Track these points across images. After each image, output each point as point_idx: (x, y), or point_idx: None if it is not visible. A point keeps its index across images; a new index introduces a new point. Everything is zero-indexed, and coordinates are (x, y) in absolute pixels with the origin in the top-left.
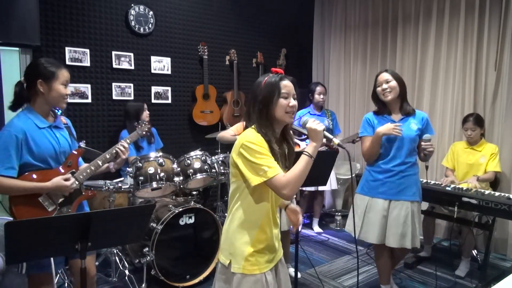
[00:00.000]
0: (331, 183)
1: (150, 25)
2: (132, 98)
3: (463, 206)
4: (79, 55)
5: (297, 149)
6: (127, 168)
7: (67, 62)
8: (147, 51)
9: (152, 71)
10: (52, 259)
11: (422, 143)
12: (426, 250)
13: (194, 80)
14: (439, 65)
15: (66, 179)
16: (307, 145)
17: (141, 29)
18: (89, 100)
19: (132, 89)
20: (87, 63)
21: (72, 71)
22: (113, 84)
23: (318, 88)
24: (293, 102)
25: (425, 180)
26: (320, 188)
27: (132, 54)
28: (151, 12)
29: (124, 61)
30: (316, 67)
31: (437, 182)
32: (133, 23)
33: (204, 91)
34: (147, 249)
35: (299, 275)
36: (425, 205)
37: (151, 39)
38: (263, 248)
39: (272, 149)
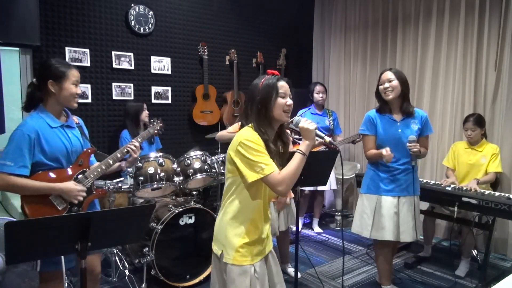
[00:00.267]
0: (331, 183)
1: (150, 25)
2: (132, 98)
3: (463, 206)
4: (79, 55)
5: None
6: (127, 168)
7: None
8: (147, 51)
9: (152, 71)
10: (62, 256)
11: (407, 144)
12: (426, 250)
13: (194, 80)
14: (439, 65)
15: (80, 190)
16: None
17: (141, 29)
18: (89, 100)
19: (132, 89)
20: (87, 63)
21: None
22: (113, 84)
23: (317, 87)
24: (290, 101)
25: (425, 180)
26: (320, 188)
27: (132, 54)
28: (151, 12)
29: (124, 61)
30: (316, 67)
31: (437, 182)
32: (133, 23)
33: (204, 91)
34: (147, 249)
35: (299, 275)
36: (425, 205)
37: (151, 39)
38: (254, 241)
39: (268, 147)
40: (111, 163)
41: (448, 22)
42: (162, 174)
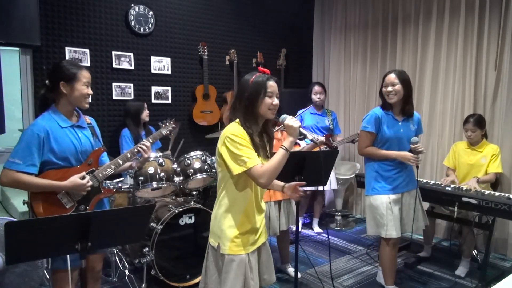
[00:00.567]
0: (331, 183)
1: (150, 25)
2: (132, 98)
3: (463, 206)
4: (79, 55)
5: (296, 148)
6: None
7: None
8: (147, 51)
9: (152, 71)
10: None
11: (412, 146)
12: (426, 250)
13: (194, 80)
14: (439, 65)
15: (82, 178)
16: (306, 144)
17: (141, 29)
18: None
19: (132, 89)
20: (87, 63)
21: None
22: (113, 84)
23: (315, 88)
24: (276, 101)
25: (425, 180)
26: (320, 187)
27: (132, 54)
28: (151, 12)
29: (124, 61)
30: (316, 67)
31: (437, 182)
32: (133, 23)
33: (204, 91)
34: (147, 249)
35: (299, 275)
36: (425, 205)
37: (151, 39)
38: (247, 231)
39: (253, 140)
40: (121, 163)
41: (448, 22)
42: (162, 174)
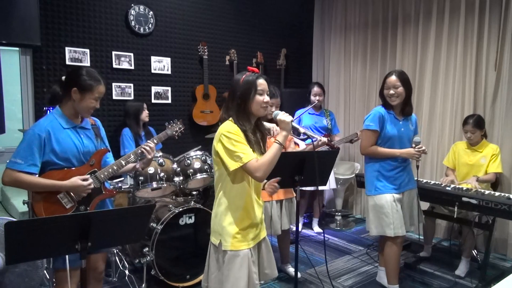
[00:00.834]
0: (330, 183)
1: (150, 25)
2: (132, 98)
3: (463, 206)
4: (79, 55)
5: (297, 148)
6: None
7: (67, 62)
8: (147, 51)
9: (152, 71)
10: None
11: (416, 147)
12: (426, 250)
13: (194, 80)
14: (439, 65)
15: (84, 179)
16: (306, 144)
17: (141, 29)
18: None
19: (132, 89)
20: (87, 63)
21: None
22: (113, 84)
23: (315, 89)
24: (267, 98)
25: (425, 180)
26: (319, 187)
27: (132, 54)
28: (151, 12)
29: (124, 61)
30: (316, 67)
31: (437, 182)
32: (133, 23)
33: (204, 91)
34: (147, 249)
35: (299, 275)
36: (425, 205)
37: (151, 39)
38: (248, 226)
39: (247, 137)
40: (123, 164)
41: (448, 22)
42: (162, 174)
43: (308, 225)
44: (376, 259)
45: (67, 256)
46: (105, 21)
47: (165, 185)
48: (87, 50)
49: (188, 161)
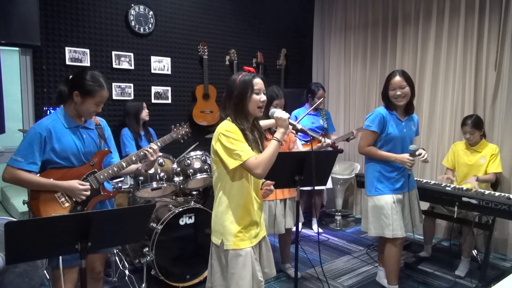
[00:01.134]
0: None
1: (150, 25)
2: (132, 98)
3: (463, 206)
4: (79, 55)
5: (296, 149)
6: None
7: (67, 62)
8: (147, 51)
9: (152, 71)
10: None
11: (410, 155)
12: (426, 250)
13: (194, 80)
14: (439, 65)
15: (82, 185)
16: (303, 145)
17: (141, 29)
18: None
19: (132, 89)
20: (87, 63)
21: (72, 71)
22: (113, 84)
23: (320, 92)
24: (263, 97)
25: (425, 180)
26: (317, 187)
27: (132, 54)
28: (151, 12)
29: (124, 61)
30: (316, 67)
31: (437, 182)
32: (133, 23)
33: (204, 91)
34: (147, 249)
35: (299, 275)
36: (425, 205)
37: (151, 39)
38: (248, 224)
39: (246, 136)
40: (124, 166)
41: (448, 22)
42: (162, 174)
43: (308, 225)
44: (376, 259)
45: (60, 257)
46: (105, 21)
47: (165, 185)
48: (87, 50)
49: (188, 161)
